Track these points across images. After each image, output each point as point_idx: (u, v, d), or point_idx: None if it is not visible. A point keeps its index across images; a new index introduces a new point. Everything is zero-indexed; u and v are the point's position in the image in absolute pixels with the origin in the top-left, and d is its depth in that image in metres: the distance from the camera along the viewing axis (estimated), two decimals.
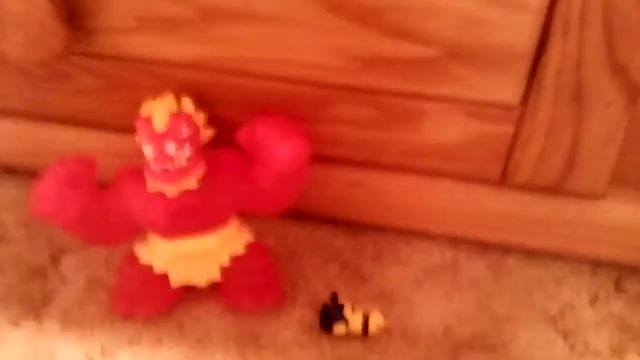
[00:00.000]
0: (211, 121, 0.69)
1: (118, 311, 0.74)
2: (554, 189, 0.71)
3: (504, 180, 0.71)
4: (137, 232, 0.71)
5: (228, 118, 0.72)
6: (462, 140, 0.68)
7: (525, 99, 0.64)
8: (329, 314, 0.72)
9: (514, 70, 0.62)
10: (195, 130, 0.66)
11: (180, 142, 0.64)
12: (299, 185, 0.69)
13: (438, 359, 0.71)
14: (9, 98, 0.79)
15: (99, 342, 0.72)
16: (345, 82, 0.66)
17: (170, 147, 0.63)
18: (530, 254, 0.80)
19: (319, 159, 0.72)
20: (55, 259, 0.81)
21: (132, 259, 0.72)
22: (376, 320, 0.71)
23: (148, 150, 0.64)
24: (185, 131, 0.64)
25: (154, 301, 0.74)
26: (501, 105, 0.65)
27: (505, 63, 0.61)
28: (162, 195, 0.66)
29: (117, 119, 0.77)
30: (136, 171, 0.68)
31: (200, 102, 0.69)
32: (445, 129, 0.68)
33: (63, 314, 0.75)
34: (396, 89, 0.65)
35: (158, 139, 0.63)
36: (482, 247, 0.81)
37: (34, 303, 0.76)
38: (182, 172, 0.65)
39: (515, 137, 0.67)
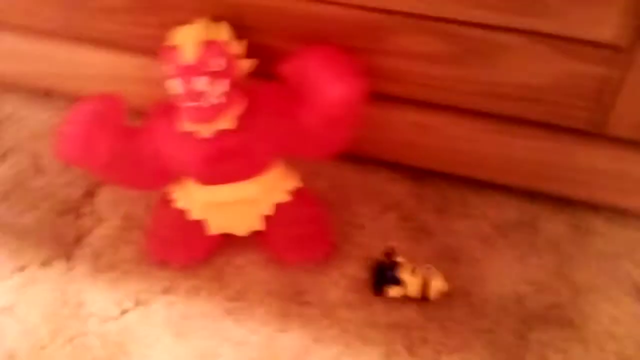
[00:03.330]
0: (252, 51, 0.60)
1: (152, 257, 0.68)
2: None
3: (598, 130, 0.60)
4: (173, 176, 0.63)
5: (272, 48, 0.62)
6: (550, 82, 0.57)
7: (630, 37, 0.51)
8: (384, 274, 0.64)
9: (619, 2, 0.49)
10: (231, 62, 0.57)
11: (213, 76, 0.55)
12: (350, 129, 0.59)
13: (506, 332, 0.62)
14: (42, 18, 0.71)
15: (132, 289, 0.67)
16: (412, 7, 0.55)
17: (201, 82, 0.54)
18: (622, 214, 0.69)
19: (379, 97, 0.62)
20: (90, 194, 0.75)
21: (167, 202, 0.65)
22: (438, 286, 0.62)
23: (176, 84, 0.55)
24: (219, 63, 0.55)
25: (190, 248, 0.67)
26: (601, 44, 0.52)
27: None
28: (195, 136, 0.58)
29: (153, 43, 0.68)
30: (169, 108, 0.60)
31: (240, 28, 0.60)
32: (532, 69, 0.56)
33: (96, 256, 0.70)
34: (474, 19, 0.54)
35: (186, 72, 0.55)
36: (567, 204, 0.70)
37: (66, 241, 0.71)
38: (217, 110, 0.56)
39: (616, 81, 0.55)
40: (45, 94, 0.84)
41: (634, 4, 0.49)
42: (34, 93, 0.84)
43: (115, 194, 0.74)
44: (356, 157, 0.73)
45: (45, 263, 0.69)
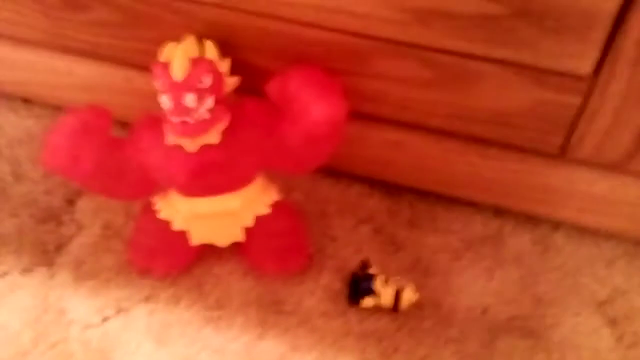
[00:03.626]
0: (237, 67, 0.62)
1: (134, 265, 0.70)
2: (616, 167, 0.63)
3: (563, 153, 0.63)
4: (156, 187, 0.65)
5: (257, 65, 0.64)
6: (521, 109, 0.60)
7: (598, 68, 0.55)
8: (358, 286, 0.66)
9: (589, 35, 0.53)
10: (218, 79, 0.59)
11: (200, 93, 0.57)
12: (331, 148, 0.62)
13: (472, 341, 0.66)
14: (25, 27, 0.72)
15: (113, 297, 0.68)
16: (393, 35, 0.58)
17: (190, 99, 0.57)
18: (582, 231, 0.73)
19: (358, 115, 0.65)
20: (71, 202, 0.76)
21: (150, 212, 0.67)
22: (408, 296, 0.66)
23: (165, 100, 0.57)
24: (206, 81, 0.57)
25: (172, 257, 0.69)
26: (570, 74, 0.56)
27: (580, 27, 0.52)
28: (181, 149, 0.60)
29: (138, 56, 0.70)
30: (155, 121, 0.62)
31: (227, 45, 0.62)
32: (504, 95, 0.59)
33: (77, 263, 0.71)
34: (452, 47, 0.57)
35: (176, 89, 0.57)
36: (530, 220, 0.73)
37: (47, 249, 0.72)
38: (203, 126, 0.58)
39: (581, 109, 0.59)
40: (25, 102, 0.84)
41: (604, 36, 0.52)
42: (14, 100, 0.84)
43: (95, 202, 0.75)
44: (332, 171, 0.76)
45: (27, 270, 0.70)
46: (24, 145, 0.81)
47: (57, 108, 0.81)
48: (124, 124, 0.70)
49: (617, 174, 0.64)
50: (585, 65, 0.55)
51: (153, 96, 0.63)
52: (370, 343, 0.65)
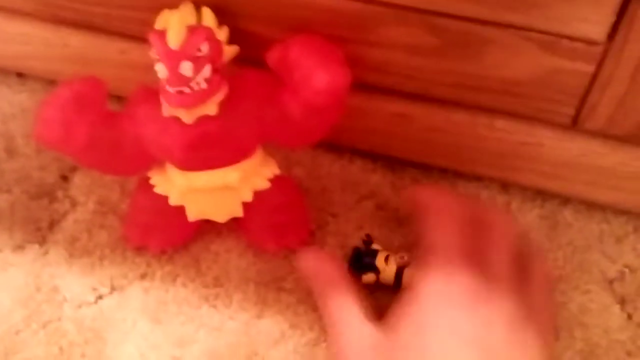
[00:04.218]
0: (236, 37, 0.59)
1: (130, 242, 0.68)
2: (630, 139, 0.61)
3: (574, 124, 0.61)
4: (152, 161, 0.63)
5: (256, 34, 0.62)
6: (531, 77, 0.58)
7: (612, 34, 0.53)
8: (360, 260, 0.64)
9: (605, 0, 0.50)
10: (216, 48, 0.56)
11: (197, 62, 0.55)
12: (334, 119, 0.60)
13: None
14: None
15: (107, 274, 0.66)
16: None
17: (186, 67, 0.54)
18: (592, 206, 0.70)
19: (361, 86, 0.63)
20: (65, 178, 0.74)
21: (146, 187, 0.65)
22: (411, 274, 0.63)
23: (161, 69, 0.55)
24: (204, 49, 0.55)
25: (168, 233, 0.67)
26: (583, 40, 0.53)
27: None
28: (178, 121, 0.58)
29: (133, 26, 0.67)
30: (151, 92, 0.60)
31: (224, 13, 0.59)
32: (512, 62, 0.57)
33: (70, 240, 0.69)
34: (459, 12, 0.55)
35: (172, 57, 0.54)
36: (538, 195, 0.71)
37: (40, 225, 0.70)
38: (200, 96, 0.56)
39: (594, 77, 0.56)
40: (18, 76, 0.82)
41: (615, 1, 0.50)
42: (7, 75, 0.82)
43: (90, 178, 0.73)
44: (334, 146, 0.73)
45: (19, 247, 0.68)
46: (18, 120, 0.79)
47: (51, 82, 0.79)
48: (119, 98, 0.68)
49: (630, 146, 0.62)
50: (599, 30, 0.52)
51: (149, 69, 0.61)
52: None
